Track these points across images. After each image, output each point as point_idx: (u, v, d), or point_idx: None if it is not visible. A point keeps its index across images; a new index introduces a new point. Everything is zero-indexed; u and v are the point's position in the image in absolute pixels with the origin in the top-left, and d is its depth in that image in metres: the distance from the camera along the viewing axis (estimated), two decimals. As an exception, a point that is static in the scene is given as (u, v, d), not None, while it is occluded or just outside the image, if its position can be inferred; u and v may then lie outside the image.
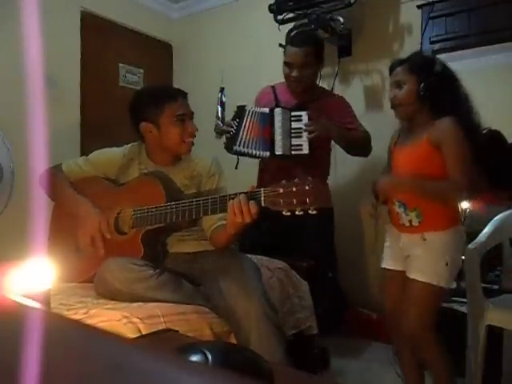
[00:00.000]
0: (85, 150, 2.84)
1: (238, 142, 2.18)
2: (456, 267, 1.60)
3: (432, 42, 2.45)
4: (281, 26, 2.76)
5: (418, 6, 2.48)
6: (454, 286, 1.65)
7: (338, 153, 2.55)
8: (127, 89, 3.26)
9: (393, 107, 1.65)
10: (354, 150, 2.34)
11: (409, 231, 1.61)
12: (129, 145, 1.81)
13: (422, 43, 2.43)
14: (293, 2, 2.68)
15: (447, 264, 1.54)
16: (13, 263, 0.84)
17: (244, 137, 2.19)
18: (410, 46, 2.61)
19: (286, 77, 2.27)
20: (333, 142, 2.36)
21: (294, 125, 2.16)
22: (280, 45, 2.77)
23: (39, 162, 1.35)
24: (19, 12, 1.30)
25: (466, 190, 1.52)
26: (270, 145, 2.17)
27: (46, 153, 1.15)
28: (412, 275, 1.58)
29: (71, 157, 1.90)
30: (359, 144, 2.30)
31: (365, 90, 2.84)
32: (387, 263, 1.72)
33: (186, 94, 1.71)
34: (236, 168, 2.27)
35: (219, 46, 3.43)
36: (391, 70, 1.67)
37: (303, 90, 2.28)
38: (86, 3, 3.09)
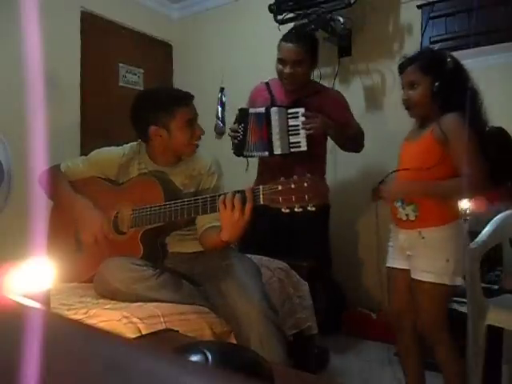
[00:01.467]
0: (85, 150, 2.83)
1: (246, 147, 2.21)
2: (458, 262, 1.57)
3: (432, 42, 2.45)
4: (281, 26, 2.76)
5: (418, 6, 2.48)
6: (460, 282, 1.60)
7: (338, 153, 2.55)
8: (127, 89, 3.26)
9: (407, 108, 1.63)
10: (348, 146, 2.37)
11: (406, 226, 1.60)
12: (128, 144, 1.80)
13: (421, 43, 2.43)
14: (293, 2, 2.68)
15: (448, 260, 1.53)
16: (13, 263, 0.84)
17: (251, 141, 2.23)
18: (410, 46, 2.61)
19: (279, 73, 2.27)
20: (331, 143, 2.37)
21: (291, 122, 2.17)
22: None
23: (39, 162, 1.36)
24: (19, 12, 1.30)
25: (483, 183, 1.48)
26: (269, 144, 2.18)
27: (45, 153, 1.15)
28: (416, 276, 1.57)
29: (71, 157, 1.90)
30: (354, 140, 2.33)
31: (365, 90, 2.84)
32: (391, 262, 1.71)
33: (193, 96, 1.70)
34: (246, 171, 2.29)
35: (219, 46, 3.43)
36: (401, 69, 1.63)
37: (296, 87, 2.28)
38: (86, 3, 3.09)
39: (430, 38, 2.43)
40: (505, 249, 1.96)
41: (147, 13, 3.49)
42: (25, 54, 1.36)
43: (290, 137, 2.17)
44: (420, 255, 1.57)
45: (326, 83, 2.90)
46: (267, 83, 2.39)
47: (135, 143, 1.79)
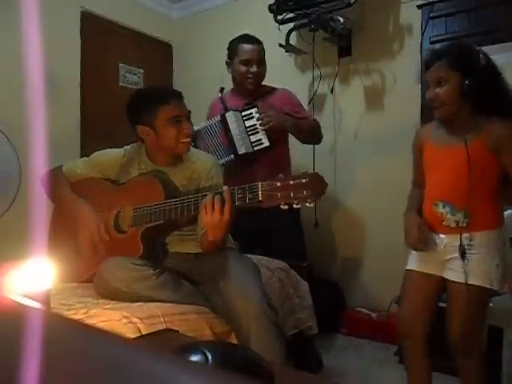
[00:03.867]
0: (85, 150, 2.83)
1: None
2: (505, 268, 1.50)
3: (432, 42, 2.45)
4: (281, 26, 2.76)
5: (418, 6, 2.48)
6: (507, 289, 1.56)
7: (338, 153, 2.55)
8: (127, 89, 3.26)
9: (432, 107, 1.52)
10: (307, 139, 2.44)
11: (453, 232, 1.50)
12: (129, 145, 1.81)
13: (421, 43, 2.43)
14: (293, 2, 2.68)
15: (498, 265, 1.47)
16: (13, 263, 0.84)
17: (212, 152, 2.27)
18: (410, 46, 2.61)
19: (243, 75, 2.33)
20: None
21: (248, 123, 2.26)
22: (280, 45, 2.77)
23: (39, 163, 1.35)
24: (19, 12, 1.30)
25: None
26: (232, 148, 2.25)
27: (46, 153, 1.15)
28: (460, 279, 1.47)
29: (71, 157, 1.91)
30: (311, 132, 2.38)
31: (365, 90, 2.84)
32: (417, 265, 1.59)
33: (179, 94, 1.70)
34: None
35: (219, 46, 3.42)
36: (427, 65, 1.51)
37: (258, 86, 2.36)
38: (86, 3, 3.08)
39: (430, 37, 2.43)
40: (505, 249, 1.95)
41: (147, 13, 3.49)
42: (25, 53, 1.36)
43: (250, 136, 2.25)
44: (469, 258, 1.48)
45: (326, 83, 2.91)
46: (221, 97, 2.47)
47: (135, 144, 1.79)
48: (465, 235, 1.48)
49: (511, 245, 1.96)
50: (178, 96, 1.69)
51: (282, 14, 2.75)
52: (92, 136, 3.04)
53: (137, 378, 0.29)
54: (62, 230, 1.76)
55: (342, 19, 2.64)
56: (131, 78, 3.40)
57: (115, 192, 1.72)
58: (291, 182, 1.28)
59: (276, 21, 2.76)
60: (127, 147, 1.81)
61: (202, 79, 3.39)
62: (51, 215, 1.84)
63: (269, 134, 2.22)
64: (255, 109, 2.24)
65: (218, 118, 2.28)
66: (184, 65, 3.66)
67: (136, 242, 1.58)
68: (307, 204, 1.28)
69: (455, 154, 1.49)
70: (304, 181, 1.28)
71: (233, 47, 2.38)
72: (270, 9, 2.75)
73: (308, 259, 2.49)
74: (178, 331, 1.22)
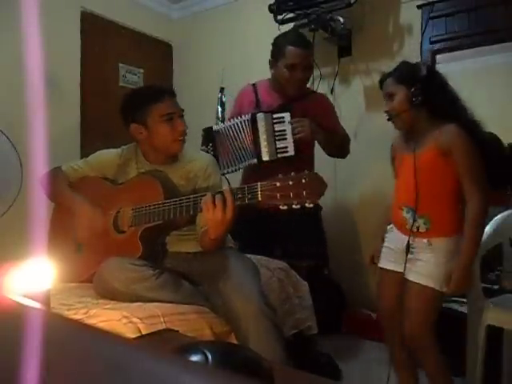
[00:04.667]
0: (85, 150, 2.84)
1: (221, 166, 2.15)
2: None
3: (432, 42, 2.45)
4: (281, 26, 2.76)
5: (418, 6, 2.48)
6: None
7: (338, 159, 2.54)
8: (127, 89, 3.25)
9: (390, 119, 1.68)
10: (334, 152, 2.35)
11: (415, 235, 1.60)
12: (126, 146, 1.81)
13: (421, 43, 2.43)
14: (293, 2, 2.68)
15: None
16: (13, 263, 0.84)
17: (225, 157, 2.19)
18: (410, 46, 2.61)
19: (286, 79, 2.19)
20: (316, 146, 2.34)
21: (277, 127, 2.12)
22: None
23: (39, 163, 1.35)
24: (19, 12, 1.30)
25: (487, 204, 1.52)
26: (256, 151, 2.14)
27: (46, 153, 1.15)
28: (415, 278, 1.57)
29: (71, 157, 1.91)
30: (341, 146, 2.32)
31: (365, 90, 2.84)
32: (387, 264, 1.71)
33: (172, 91, 1.70)
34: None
35: (219, 46, 3.43)
36: (381, 84, 1.70)
37: (300, 92, 2.25)
38: (86, 3, 3.09)
39: (430, 37, 2.43)
40: (505, 249, 1.96)
41: (147, 13, 3.49)
42: (25, 53, 1.36)
43: (277, 142, 2.12)
44: (424, 260, 1.56)
45: (325, 83, 2.91)
46: (254, 85, 2.35)
47: (132, 144, 1.79)
48: (424, 240, 1.57)
49: (511, 245, 1.96)
50: (171, 93, 1.69)
51: (282, 14, 2.75)
52: (92, 136, 3.05)
53: (137, 378, 0.29)
54: (62, 230, 1.76)
55: (341, 19, 2.64)
56: (131, 78, 3.40)
57: (114, 192, 1.72)
58: (290, 183, 1.28)
59: (276, 21, 2.76)
60: (124, 147, 1.81)
61: (202, 79, 3.39)
62: (51, 215, 1.84)
63: (297, 143, 2.11)
64: (288, 114, 2.11)
65: (248, 117, 2.14)
66: (184, 65, 3.66)
67: (135, 242, 1.58)
68: (307, 205, 1.27)
69: (414, 160, 1.60)
70: (303, 181, 1.27)
71: (279, 47, 2.20)
72: (270, 9, 2.75)
73: (329, 260, 2.50)
74: (178, 331, 1.22)
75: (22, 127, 1.24)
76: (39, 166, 1.52)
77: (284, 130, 2.12)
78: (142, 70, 3.46)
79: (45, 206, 1.71)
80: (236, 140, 2.18)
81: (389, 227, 1.74)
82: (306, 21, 2.65)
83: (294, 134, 2.09)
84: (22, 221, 1.15)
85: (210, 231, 1.44)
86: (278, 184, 1.29)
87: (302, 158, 2.17)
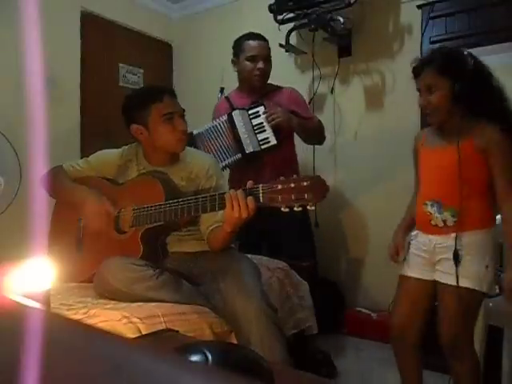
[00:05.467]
0: (85, 150, 2.84)
1: None
2: (495, 270, 1.49)
3: (432, 42, 2.45)
4: (281, 26, 2.76)
5: (418, 6, 2.48)
6: (497, 290, 1.55)
7: (338, 153, 2.55)
8: (127, 89, 3.26)
9: (425, 113, 1.56)
10: (310, 139, 2.44)
11: (442, 232, 1.51)
12: (127, 146, 1.81)
13: (421, 43, 2.43)
14: (293, 2, 2.68)
15: (487, 267, 1.45)
16: (13, 263, 0.84)
17: (215, 152, 2.25)
18: (410, 46, 2.61)
19: (250, 71, 2.32)
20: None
21: (255, 121, 2.24)
22: (280, 45, 2.77)
23: (39, 162, 1.35)
24: (19, 12, 1.30)
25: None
26: (239, 147, 2.24)
27: (46, 153, 1.15)
28: (451, 281, 1.47)
29: (71, 157, 1.91)
30: (316, 132, 2.39)
31: (365, 90, 2.84)
32: (413, 272, 1.59)
33: (172, 91, 1.71)
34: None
35: (219, 46, 3.43)
36: (416, 72, 1.53)
37: (265, 83, 2.36)
38: (86, 3, 3.08)
39: (430, 38, 2.43)
40: (505, 249, 1.95)
41: (147, 13, 3.49)
42: (25, 54, 1.36)
43: (258, 135, 2.23)
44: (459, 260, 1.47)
45: (326, 83, 2.91)
46: (227, 97, 2.46)
47: (133, 145, 1.79)
48: (452, 235, 1.48)
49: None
50: (171, 93, 1.69)
51: (282, 14, 2.75)
52: (92, 136, 3.04)
53: (137, 378, 0.29)
54: (63, 230, 1.76)
55: (342, 19, 2.64)
56: (131, 77, 3.40)
57: (115, 192, 1.72)
58: (292, 185, 1.27)
59: (276, 21, 2.76)
60: (125, 147, 1.81)
61: (202, 79, 3.39)
62: (51, 215, 1.84)
63: (276, 132, 2.20)
64: (262, 107, 2.23)
65: (225, 117, 2.26)
66: (184, 65, 3.66)
67: (136, 242, 1.58)
68: (308, 207, 1.27)
69: (446, 155, 1.50)
70: (305, 184, 1.27)
71: (239, 44, 2.38)
72: (270, 9, 2.75)
73: (316, 260, 2.50)
74: (177, 331, 1.21)
75: (22, 127, 1.24)
76: (39, 166, 1.52)
77: (261, 123, 2.23)
78: (142, 70, 3.46)
79: (45, 206, 1.70)
80: (217, 139, 2.27)
81: (413, 233, 1.65)
82: (306, 21, 2.65)
83: (269, 122, 2.19)
84: (22, 221, 1.15)
85: (226, 225, 1.44)
86: (279, 186, 1.29)
87: (284, 150, 2.29)
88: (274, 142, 2.21)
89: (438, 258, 1.52)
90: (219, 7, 3.44)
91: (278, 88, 2.42)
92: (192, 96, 3.02)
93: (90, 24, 3.14)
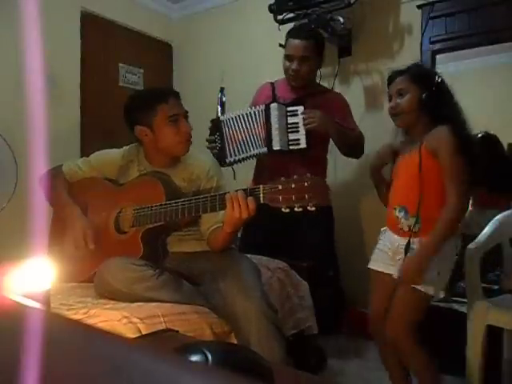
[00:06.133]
0: (85, 150, 2.84)
1: (228, 154, 2.18)
2: (446, 277, 1.59)
3: (432, 42, 2.45)
4: (281, 26, 2.76)
5: (418, 6, 2.48)
6: (442, 296, 1.64)
7: (338, 156, 2.54)
8: (127, 89, 3.26)
9: (393, 115, 1.68)
10: (348, 150, 2.33)
11: (405, 235, 1.60)
12: (128, 146, 1.81)
13: (421, 43, 2.43)
14: (293, 2, 2.68)
15: (439, 273, 1.54)
16: (13, 263, 0.84)
17: (232, 146, 2.19)
18: (410, 46, 2.61)
19: (286, 70, 2.28)
20: (331, 144, 2.35)
21: (291, 120, 2.15)
22: (280, 45, 2.77)
23: (39, 162, 1.35)
24: (19, 12, 1.30)
25: (463, 209, 1.56)
26: (267, 141, 2.15)
27: (46, 153, 1.15)
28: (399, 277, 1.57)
29: (71, 157, 1.91)
30: (355, 144, 2.29)
31: (365, 90, 2.84)
32: (377, 265, 1.70)
33: (177, 93, 1.70)
34: (234, 179, 2.27)
35: (219, 46, 3.43)
36: (390, 80, 1.69)
37: (301, 84, 2.28)
38: (86, 3, 3.08)
39: (430, 38, 2.43)
40: (505, 249, 1.96)
41: (147, 13, 3.49)
42: (25, 53, 1.36)
43: (289, 134, 2.15)
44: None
45: (325, 83, 2.90)
46: (272, 83, 2.40)
47: (134, 145, 1.79)
48: (416, 240, 1.57)
49: (511, 245, 1.96)
50: (176, 95, 1.69)
51: (282, 14, 2.74)
52: (92, 136, 3.05)
53: (137, 378, 0.29)
54: (63, 230, 1.76)
55: (342, 19, 2.64)
56: (131, 77, 3.40)
57: (116, 192, 1.72)
58: (293, 186, 1.27)
59: (276, 21, 2.75)
60: (126, 148, 1.80)
61: (202, 79, 3.39)
62: (52, 215, 1.84)
63: (309, 136, 2.13)
64: (301, 107, 2.15)
65: (262, 107, 2.16)
66: (184, 65, 3.66)
67: (137, 242, 1.58)
68: (309, 208, 1.27)
69: (411, 160, 1.61)
70: (306, 184, 1.27)
71: (286, 39, 2.30)
72: (270, 9, 2.75)
73: (338, 260, 2.50)
74: (177, 331, 1.21)
75: (22, 127, 1.24)
76: (39, 166, 1.52)
77: (297, 123, 2.14)
78: (142, 70, 3.46)
79: (45, 206, 1.71)
80: (247, 128, 2.18)
81: (382, 229, 1.75)
82: (306, 21, 2.65)
83: (304, 125, 2.11)
84: (22, 221, 1.15)
85: (226, 226, 1.45)
86: (280, 187, 1.29)
87: (313, 155, 2.20)
88: (303, 145, 2.13)
89: (398, 257, 1.62)
90: (219, 7, 3.44)
91: (326, 90, 2.37)
92: (192, 96, 3.02)
93: (90, 24, 3.14)
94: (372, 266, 1.72)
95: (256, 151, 2.18)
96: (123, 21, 3.33)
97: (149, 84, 3.40)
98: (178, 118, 1.64)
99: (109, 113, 3.08)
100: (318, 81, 2.53)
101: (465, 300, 1.87)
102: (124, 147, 1.81)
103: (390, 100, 1.69)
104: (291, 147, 2.15)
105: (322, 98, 2.28)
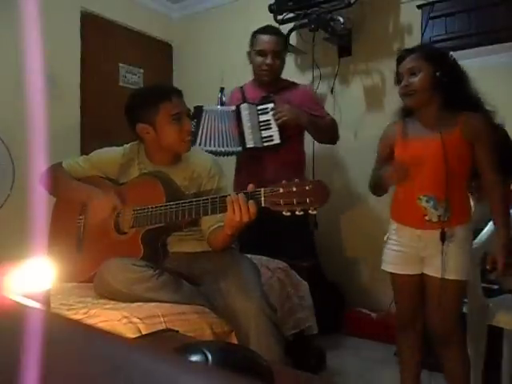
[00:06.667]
0: (85, 150, 2.83)
1: (198, 141, 2.25)
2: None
3: (432, 42, 2.45)
4: (281, 26, 2.76)
5: (418, 6, 2.48)
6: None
7: (338, 159, 2.55)
8: (127, 89, 3.26)
9: (404, 95, 1.59)
10: (323, 137, 2.40)
11: (434, 227, 1.53)
12: (128, 144, 1.80)
13: (421, 43, 2.43)
14: (293, 2, 2.68)
15: (469, 258, 1.55)
16: (13, 263, 0.84)
17: (204, 135, 2.26)
18: (410, 46, 2.60)
19: (258, 66, 2.32)
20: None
21: (262, 118, 2.23)
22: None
23: (39, 162, 1.35)
24: (19, 12, 1.30)
25: (503, 187, 1.54)
26: (241, 140, 2.24)
27: (45, 152, 1.15)
28: (445, 275, 1.51)
29: (71, 156, 1.90)
30: (328, 130, 2.35)
31: (365, 90, 2.84)
32: (400, 269, 1.63)
33: (180, 91, 1.70)
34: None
35: (219, 46, 3.43)
36: (400, 60, 1.62)
37: (274, 78, 2.34)
38: (86, 3, 3.09)
39: (430, 38, 2.43)
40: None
41: (147, 13, 3.49)
42: (25, 53, 1.36)
43: (262, 131, 2.23)
44: (448, 254, 1.51)
45: (325, 83, 2.91)
46: (241, 87, 2.46)
47: (135, 143, 1.78)
48: (447, 230, 1.53)
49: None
50: (179, 93, 1.69)
51: (282, 14, 2.75)
52: (92, 136, 3.05)
53: (137, 378, 0.29)
54: (62, 230, 1.76)
55: (342, 19, 2.64)
56: (131, 77, 3.40)
57: (116, 191, 1.71)
58: (294, 189, 1.26)
59: (276, 21, 2.76)
60: (127, 146, 1.80)
61: (202, 79, 3.39)
62: (51, 215, 1.84)
63: (281, 131, 2.20)
64: (271, 104, 2.22)
65: (233, 108, 2.27)
66: (184, 65, 3.66)
67: (137, 243, 1.58)
68: (310, 211, 1.27)
69: (430, 146, 1.54)
70: (307, 188, 1.26)
71: (252, 37, 2.38)
72: (270, 9, 2.75)
73: (318, 260, 2.51)
74: (177, 331, 1.21)
75: (22, 126, 1.24)
76: (39, 166, 1.52)
77: (268, 120, 2.22)
78: (142, 70, 3.46)
79: (44, 206, 1.70)
80: (222, 125, 2.27)
81: (392, 227, 1.67)
82: (306, 21, 2.65)
83: (275, 120, 2.18)
84: (22, 221, 1.15)
85: (226, 229, 1.45)
86: (281, 190, 1.28)
87: (289, 149, 2.27)
88: (277, 140, 2.21)
89: (427, 253, 1.57)
90: (219, 7, 3.44)
91: (294, 85, 2.41)
92: (192, 96, 3.01)
93: (90, 24, 3.14)
94: (393, 269, 1.65)
95: (231, 149, 2.27)
96: (123, 21, 3.33)
97: (149, 84, 3.40)
98: (181, 116, 1.64)
99: (109, 113, 3.08)
100: (317, 81, 2.54)
101: (465, 300, 1.87)
102: (124, 145, 1.80)
103: (398, 80, 1.61)
104: (265, 144, 2.23)
105: (289, 92, 2.34)
